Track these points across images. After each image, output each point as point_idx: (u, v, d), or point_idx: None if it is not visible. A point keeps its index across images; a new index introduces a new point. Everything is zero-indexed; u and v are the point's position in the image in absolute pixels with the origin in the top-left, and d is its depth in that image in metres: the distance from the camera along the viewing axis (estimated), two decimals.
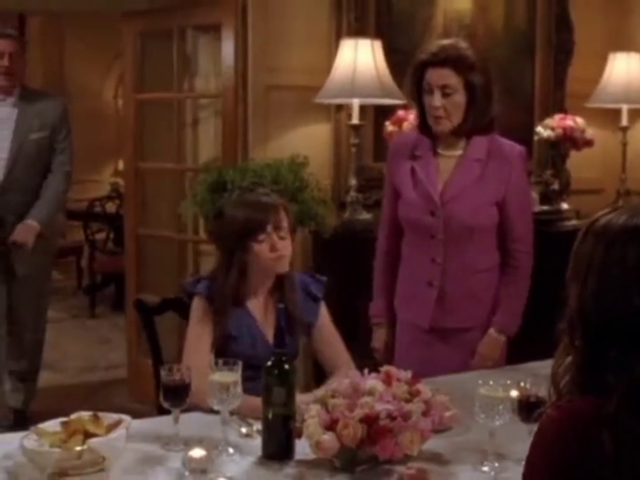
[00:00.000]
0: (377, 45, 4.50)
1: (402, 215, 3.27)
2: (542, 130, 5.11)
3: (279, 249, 2.76)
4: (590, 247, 1.58)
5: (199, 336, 2.79)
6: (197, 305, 2.84)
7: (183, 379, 2.36)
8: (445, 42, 3.26)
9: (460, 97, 3.09)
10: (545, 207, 5.10)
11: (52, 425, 2.25)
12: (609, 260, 1.55)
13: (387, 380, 2.25)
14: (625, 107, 5.23)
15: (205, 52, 5.36)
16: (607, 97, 5.23)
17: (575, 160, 5.24)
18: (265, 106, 4.72)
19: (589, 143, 5.10)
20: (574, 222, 5.04)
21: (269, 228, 2.76)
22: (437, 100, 3.09)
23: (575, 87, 5.37)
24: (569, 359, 1.59)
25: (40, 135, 4.68)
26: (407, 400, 2.19)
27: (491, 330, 3.16)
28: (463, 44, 3.18)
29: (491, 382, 2.22)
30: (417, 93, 3.19)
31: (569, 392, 1.57)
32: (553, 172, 5.27)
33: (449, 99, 3.09)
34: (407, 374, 2.30)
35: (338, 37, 4.69)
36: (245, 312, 2.83)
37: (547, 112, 5.26)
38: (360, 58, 4.43)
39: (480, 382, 2.22)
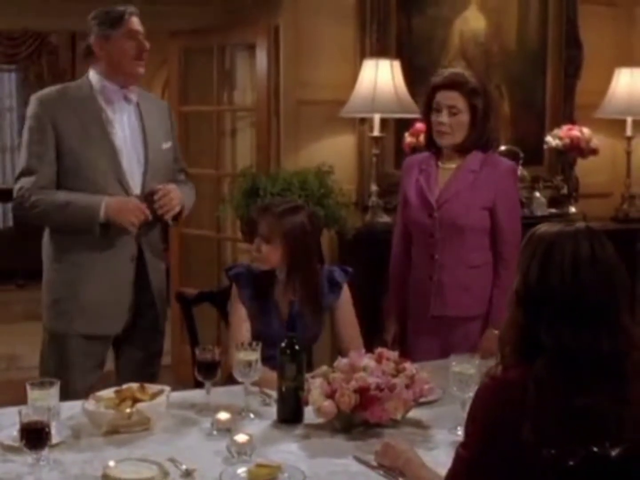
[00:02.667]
0: (396, 65, 4.97)
1: (407, 218, 3.77)
2: (551, 140, 5.55)
3: (253, 249, 3.30)
4: (533, 246, 2.06)
5: (237, 316, 3.33)
6: (233, 290, 3.38)
7: (214, 357, 2.85)
8: (455, 70, 3.87)
9: (464, 117, 3.58)
10: (553, 210, 5.52)
11: (107, 393, 2.77)
12: (550, 254, 2.01)
13: (379, 360, 2.75)
14: (629, 119, 5.60)
15: (243, 67, 5.83)
16: (613, 109, 5.62)
17: (586, 166, 5.66)
18: (295, 119, 5.18)
19: (594, 152, 5.52)
20: None
21: (257, 231, 3.30)
22: (444, 117, 3.58)
23: (584, 99, 5.76)
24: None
25: (169, 145, 3.72)
26: (394, 376, 2.68)
27: (490, 328, 3.57)
28: (469, 73, 3.72)
29: (463, 363, 2.70)
30: (427, 112, 3.68)
31: (509, 355, 2.04)
32: (562, 177, 5.72)
33: (454, 118, 3.58)
34: (395, 355, 2.79)
35: (362, 55, 5.15)
36: (270, 299, 3.34)
37: (558, 123, 5.66)
38: (380, 77, 4.90)
39: (454, 363, 2.71)
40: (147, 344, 3.68)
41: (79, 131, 3.47)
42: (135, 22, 3.54)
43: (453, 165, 3.65)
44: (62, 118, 3.47)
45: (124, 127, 3.57)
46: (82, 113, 3.50)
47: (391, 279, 3.89)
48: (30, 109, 3.53)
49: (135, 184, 3.54)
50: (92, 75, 3.58)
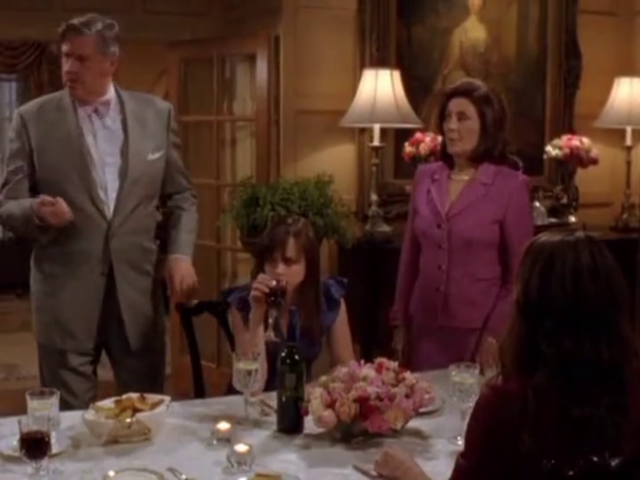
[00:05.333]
0: (396, 74, 4.98)
1: (416, 227, 3.74)
2: (551, 150, 5.56)
3: (278, 274, 3.18)
4: (533, 256, 2.06)
5: (244, 342, 3.20)
6: (232, 317, 3.34)
7: (281, 283, 3.07)
8: (467, 79, 3.91)
9: (473, 124, 3.55)
10: (553, 220, 5.53)
11: (107, 403, 2.76)
12: (551, 263, 2.02)
13: (379, 369, 2.75)
14: (629, 129, 5.62)
15: (243, 78, 5.86)
16: (613, 119, 5.64)
17: (586, 176, 5.68)
18: (295, 129, 5.20)
19: (594, 161, 5.53)
20: None
21: (277, 255, 3.22)
22: (453, 123, 3.55)
23: (584, 108, 5.78)
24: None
25: (158, 155, 3.59)
26: (394, 385, 2.68)
27: (485, 336, 3.52)
28: (481, 82, 3.70)
29: (463, 373, 2.70)
30: (441, 121, 3.65)
31: (509, 365, 2.04)
32: (563, 187, 5.73)
33: (463, 124, 3.55)
34: (395, 365, 2.79)
35: (362, 65, 5.18)
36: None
37: (557, 132, 5.69)
38: (380, 87, 4.91)
39: (453, 373, 2.70)
40: (126, 365, 3.64)
41: (54, 147, 3.46)
42: (67, 43, 3.45)
43: (465, 177, 3.61)
44: (39, 136, 3.47)
45: (99, 139, 3.50)
46: (58, 128, 3.48)
47: (399, 286, 3.85)
48: (12, 124, 3.59)
49: (110, 198, 3.48)
50: None
